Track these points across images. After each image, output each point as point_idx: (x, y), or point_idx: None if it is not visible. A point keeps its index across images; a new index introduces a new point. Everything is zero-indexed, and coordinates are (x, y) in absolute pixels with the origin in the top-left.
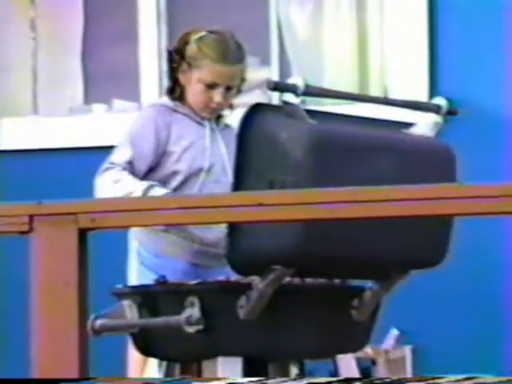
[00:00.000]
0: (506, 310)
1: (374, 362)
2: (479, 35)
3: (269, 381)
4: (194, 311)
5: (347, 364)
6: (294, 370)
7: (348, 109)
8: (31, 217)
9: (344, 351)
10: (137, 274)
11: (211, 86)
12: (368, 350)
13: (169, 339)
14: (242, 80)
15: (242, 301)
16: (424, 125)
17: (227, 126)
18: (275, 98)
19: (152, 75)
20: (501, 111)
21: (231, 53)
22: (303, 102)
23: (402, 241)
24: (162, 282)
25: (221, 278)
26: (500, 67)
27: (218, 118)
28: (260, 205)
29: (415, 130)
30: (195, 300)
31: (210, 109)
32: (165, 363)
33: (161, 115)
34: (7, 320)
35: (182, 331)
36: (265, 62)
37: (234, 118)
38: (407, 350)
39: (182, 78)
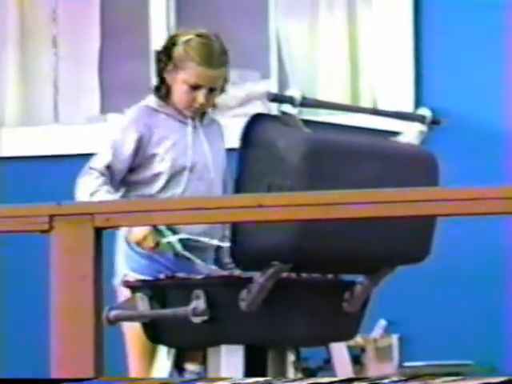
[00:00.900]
0: (488, 300)
1: (363, 350)
2: (461, 51)
3: (274, 381)
4: (199, 303)
5: (339, 351)
6: (290, 357)
7: (341, 119)
8: (51, 217)
9: (336, 340)
10: (125, 258)
11: (195, 88)
12: (358, 339)
13: (177, 329)
14: (225, 81)
15: (244, 294)
16: (410, 133)
17: (213, 121)
18: (274, 108)
19: None
20: (481, 121)
21: (215, 57)
22: (300, 112)
23: (389, 239)
24: (170, 276)
25: (204, 271)
26: (480, 80)
27: (202, 115)
28: (260, 206)
29: (402, 139)
30: (201, 293)
31: (193, 108)
32: (173, 350)
33: (143, 118)
34: (7, 320)
35: (189, 321)
36: (265, 75)
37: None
38: (394, 339)
39: (168, 77)
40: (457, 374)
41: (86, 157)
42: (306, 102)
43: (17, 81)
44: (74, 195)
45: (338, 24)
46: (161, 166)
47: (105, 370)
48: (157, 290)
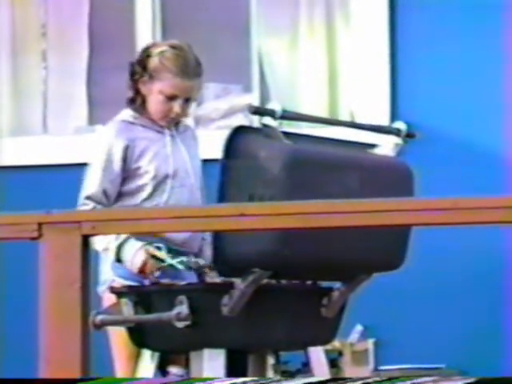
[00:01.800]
0: (460, 305)
1: (340, 354)
2: (435, 67)
3: (264, 381)
4: (183, 308)
5: (317, 355)
6: (270, 361)
7: (320, 131)
8: (40, 224)
9: (314, 344)
10: (112, 264)
11: (171, 98)
12: (335, 343)
13: (161, 333)
14: (198, 91)
15: (226, 299)
16: (386, 146)
17: (186, 127)
18: (256, 121)
19: None
20: (453, 134)
21: (191, 67)
22: (280, 124)
23: (366, 247)
24: (154, 282)
25: (188, 275)
26: (453, 95)
27: (177, 123)
28: (242, 215)
29: (378, 151)
30: (184, 298)
31: (168, 118)
32: (157, 354)
33: (123, 132)
34: (6, 320)
35: (173, 326)
36: (247, 89)
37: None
38: (370, 343)
39: (143, 88)
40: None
41: (75, 167)
42: (286, 115)
43: (8, 93)
44: (65, 204)
45: (318, 40)
46: (145, 177)
47: (91, 373)
48: (141, 296)
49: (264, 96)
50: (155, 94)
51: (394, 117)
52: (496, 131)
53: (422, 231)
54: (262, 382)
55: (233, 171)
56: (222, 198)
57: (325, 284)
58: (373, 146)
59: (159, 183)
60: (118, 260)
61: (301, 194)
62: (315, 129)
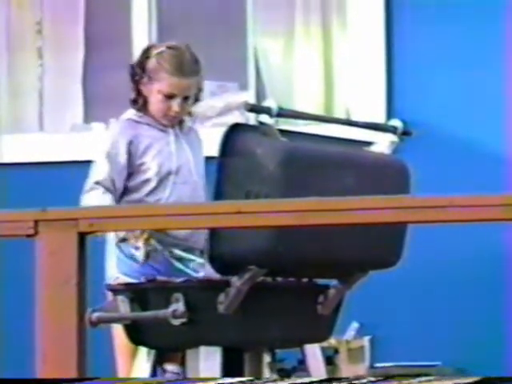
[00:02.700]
0: (456, 303)
1: (336, 351)
2: (431, 65)
3: (258, 381)
4: (179, 306)
5: (313, 353)
6: (266, 358)
7: (316, 129)
8: (36, 222)
9: (310, 341)
10: (116, 262)
11: (170, 97)
12: (331, 341)
13: (157, 330)
14: (199, 90)
15: (221, 297)
16: (382, 143)
17: (190, 129)
18: (252, 118)
19: None
20: (448, 131)
21: (187, 66)
22: (276, 122)
23: (361, 245)
24: (151, 279)
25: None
26: (449, 93)
27: (180, 123)
28: (239, 212)
29: (374, 148)
30: (180, 296)
31: (169, 117)
32: (153, 351)
33: (128, 129)
34: (2, 317)
35: (169, 323)
36: (243, 86)
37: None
38: (366, 341)
39: (143, 89)
40: (426, 375)
41: (70, 164)
42: (282, 113)
43: (3, 90)
44: (76, 202)
45: (314, 38)
46: (148, 172)
47: (87, 371)
48: (138, 293)
49: (260, 93)
50: (155, 94)
51: (390, 115)
52: (492, 129)
53: (418, 228)
54: (256, 382)
55: (229, 169)
56: (219, 195)
57: (321, 281)
58: (369, 143)
59: (162, 179)
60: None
61: (297, 191)
62: (311, 126)
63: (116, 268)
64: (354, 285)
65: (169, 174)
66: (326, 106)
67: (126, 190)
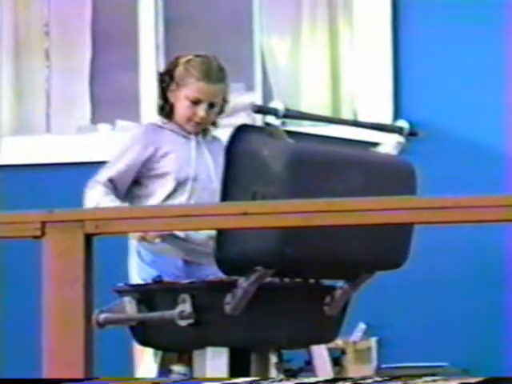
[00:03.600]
0: (462, 304)
1: (343, 352)
2: (438, 66)
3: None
4: (185, 307)
5: (320, 353)
6: (273, 359)
7: (322, 130)
8: (43, 223)
9: (317, 342)
10: (137, 269)
11: (196, 102)
12: (338, 341)
13: (164, 331)
14: (225, 101)
15: (228, 298)
16: (388, 144)
17: (215, 138)
18: (259, 119)
19: (151, 99)
20: (455, 132)
21: (213, 73)
22: (283, 123)
23: (368, 245)
24: (157, 280)
25: (210, 275)
26: (456, 93)
27: (204, 132)
28: (245, 214)
29: (381, 149)
30: (187, 297)
31: (193, 122)
32: (160, 353)
33: (148, 133)
34: (8, 319)
35: (175, 324)
36: (249, 87)
37: (222, 135)
38: (373, 342)
39: (171, 96)
40: (431, 375)
41: (77, 165)
42: (289, 114)
43: (11, 92)
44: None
45: (320, 39)
46: (167, 177)
47: (94, 372)
48: (144, 294)
49: (266, 95)
50: (181, 100)
51: (396, 115)
52: (498, 129)
53: (424, 229)
54: (263, 382)
55: (236, 170)
56: (225, 196)
57: (327, 282)
58: (375, 144)
59: (180, 184)
60: None
61: (303, 192)
62: (318, 127)
63: (137, 275)
64: (360, 286)
65: (187, 179)
66: (333, 106)
67: (143, 197)
